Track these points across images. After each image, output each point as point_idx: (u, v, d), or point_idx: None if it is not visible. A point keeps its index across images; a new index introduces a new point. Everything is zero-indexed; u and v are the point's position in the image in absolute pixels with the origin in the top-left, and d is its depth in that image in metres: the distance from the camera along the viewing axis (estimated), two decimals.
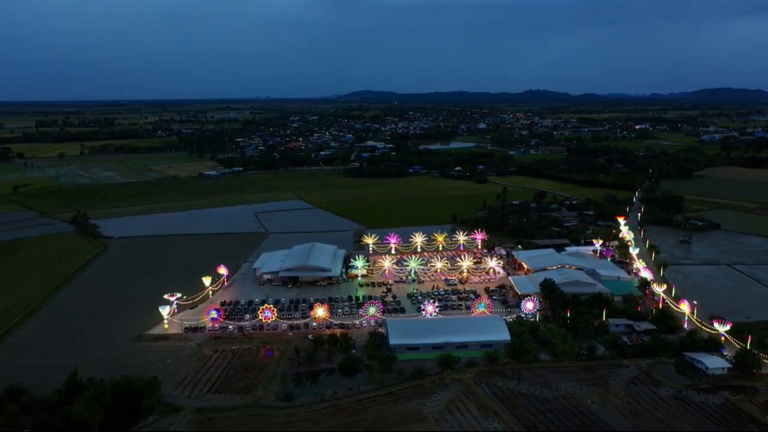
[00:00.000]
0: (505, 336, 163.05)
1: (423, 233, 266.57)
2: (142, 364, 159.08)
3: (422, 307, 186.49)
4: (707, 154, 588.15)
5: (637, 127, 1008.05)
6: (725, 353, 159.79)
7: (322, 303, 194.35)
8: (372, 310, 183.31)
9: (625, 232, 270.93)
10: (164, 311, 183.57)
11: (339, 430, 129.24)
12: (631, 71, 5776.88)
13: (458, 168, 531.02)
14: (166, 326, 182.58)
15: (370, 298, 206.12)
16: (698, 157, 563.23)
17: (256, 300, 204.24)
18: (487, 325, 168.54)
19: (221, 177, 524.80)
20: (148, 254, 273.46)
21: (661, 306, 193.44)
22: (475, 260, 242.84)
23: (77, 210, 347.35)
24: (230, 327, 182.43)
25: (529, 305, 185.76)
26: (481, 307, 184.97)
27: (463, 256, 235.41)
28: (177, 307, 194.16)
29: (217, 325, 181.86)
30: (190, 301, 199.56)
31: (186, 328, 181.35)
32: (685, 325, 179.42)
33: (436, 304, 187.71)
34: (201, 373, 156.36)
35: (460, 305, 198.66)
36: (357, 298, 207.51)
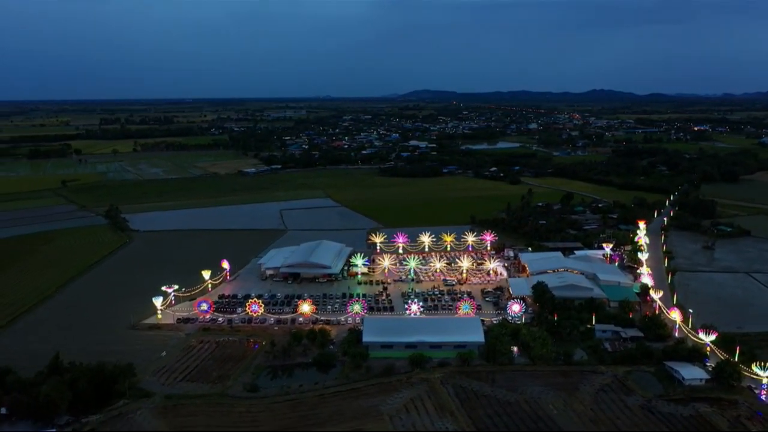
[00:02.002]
0: (479, 337, 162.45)
1: (431, 233, 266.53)
2: (131, 351, 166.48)
3: (406, 306, 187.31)
4: (761, 157, 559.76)
5: (695, 128, 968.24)
6: (709, 364, 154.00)
7: (315, 299, 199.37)
8: (357, 307, 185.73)
9: (641, 237, 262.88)
10: (158, 302, 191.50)
11: (292, 422, 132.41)
12: (702, 70, 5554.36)
13: (493, 168, 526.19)
14: (159, 316, 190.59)
15: (364, 296, 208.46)
16: (749, 160, 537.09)
17: (253, 294, 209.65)
18: (462, 326, 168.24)
19: (259, 174, 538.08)
20: (166, 248, 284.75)
21: (657, 313, 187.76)
22: (477, 261, 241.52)
23: (111, 204, 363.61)
24: (220, 319, 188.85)
25: (515, 308, 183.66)
26: (466, 308, 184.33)
27: (462, 257, 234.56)
28: (174, 299, 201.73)
29: (207, 317, 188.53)
30: (189, 294, 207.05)
31: (178, 319, 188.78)
32: (677, 334, 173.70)
33: (422, 304, 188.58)
34: (181, 361, 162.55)
35: (452, 306, 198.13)
36: (351, 295, 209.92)
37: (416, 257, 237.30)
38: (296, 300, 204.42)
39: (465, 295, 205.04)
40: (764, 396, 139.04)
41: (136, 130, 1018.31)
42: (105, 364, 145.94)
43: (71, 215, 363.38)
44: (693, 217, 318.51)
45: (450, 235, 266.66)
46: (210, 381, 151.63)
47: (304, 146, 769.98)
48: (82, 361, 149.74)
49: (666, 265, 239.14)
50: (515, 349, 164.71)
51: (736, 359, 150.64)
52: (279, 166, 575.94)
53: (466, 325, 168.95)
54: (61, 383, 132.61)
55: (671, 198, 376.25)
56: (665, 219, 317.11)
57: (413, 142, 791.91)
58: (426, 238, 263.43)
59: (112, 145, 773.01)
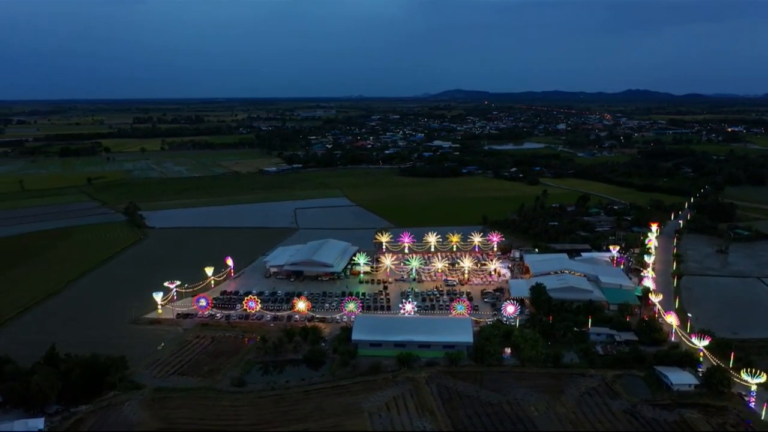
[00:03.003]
0: (467, 338, 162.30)
1: (438, 233, 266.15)
2: (129, 344, 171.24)
3: (401, 305, 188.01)
4: None
5: (729, 129, 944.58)
6: (701, 369, 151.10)
7: (314, 297, 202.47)
8: (351, 305, 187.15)
9: (652, 239, 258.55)
10: (158, 297, 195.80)
11: (274, 416, 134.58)
12: (742, 70, 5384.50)
13: (513, 169, 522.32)
14: (159, 311, 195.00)
15: (364, 295, 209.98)
16: None
17: (254, 291, 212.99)
18: (452, 327, 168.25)
19: (279, 173, 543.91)
20: (179, 245, 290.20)
21: (656, 316, 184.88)
22: (480, 262, 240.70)
23: (130, 201, 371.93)
24: (218, 315, 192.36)
25: (509, 309, 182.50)
26: (460, 308, 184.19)
27: (464, 257, 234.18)
28: (176, 295, 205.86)
29: (206, 313, 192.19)
30: (192, 290, 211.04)
31: (178, 314, 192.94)
32: (673, 338, 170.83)
33: (417, 303, 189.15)
34: (175, 355, 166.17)
35: (449, 306, 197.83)
36: (350, 294, 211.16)
37: (419, 257, 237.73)
38: (295, 298, 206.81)
39: (465, 296, 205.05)
40: (753, 403, 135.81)
41: (166, 129, 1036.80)
42: (98, 356, 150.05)
43: (91, 212, 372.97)
44: (710, 220, 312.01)
45: (456, 235, 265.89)
46: (201, 375, 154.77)
47: (327, 146, 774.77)
48: (82, 353, 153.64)
49: (674, 268, 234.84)
50: (508, 350, 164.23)
51: (731, 365, 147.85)
52: (300, 165, 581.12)
53: (456, 325, 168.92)
54: (51, 373, 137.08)
55: (691, 200, 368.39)
56: (680, 222, 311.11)
57: (437, 142, 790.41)
58: (432, 238, 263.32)
59: (141, 144, 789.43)
